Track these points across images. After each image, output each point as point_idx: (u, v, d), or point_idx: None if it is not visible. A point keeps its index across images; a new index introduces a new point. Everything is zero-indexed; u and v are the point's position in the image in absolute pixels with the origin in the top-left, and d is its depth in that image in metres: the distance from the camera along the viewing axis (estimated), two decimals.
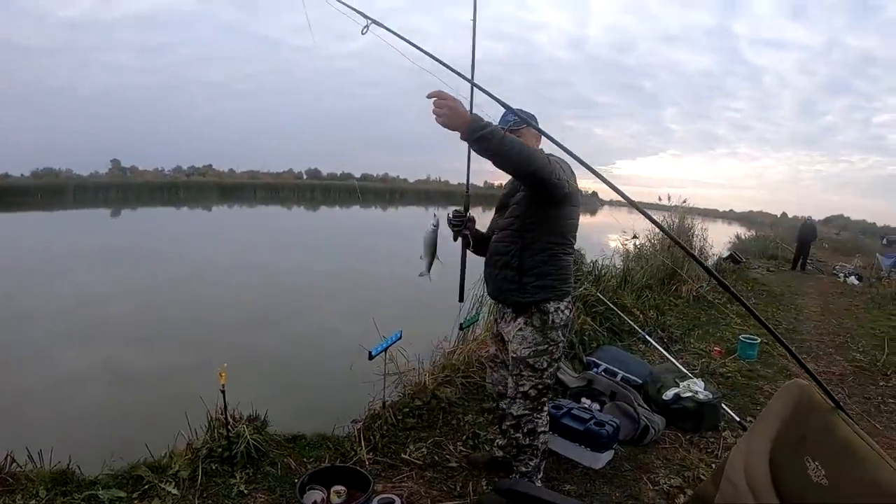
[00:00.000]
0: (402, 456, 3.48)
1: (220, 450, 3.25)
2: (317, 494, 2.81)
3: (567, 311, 2.80)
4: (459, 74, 2.27)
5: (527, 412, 2.81)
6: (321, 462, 3.37)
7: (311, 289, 11.28)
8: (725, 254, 14.98)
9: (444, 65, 2.28)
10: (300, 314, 9.07)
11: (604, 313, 6.37)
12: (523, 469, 2.92)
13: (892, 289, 12.21)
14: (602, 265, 8.37)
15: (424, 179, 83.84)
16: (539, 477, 2.98)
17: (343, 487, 2.84)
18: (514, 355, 2.78)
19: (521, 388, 2.79)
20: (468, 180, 3.10)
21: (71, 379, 5.75)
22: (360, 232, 25.10)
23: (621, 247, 10.53)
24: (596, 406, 4.07)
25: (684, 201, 12.11)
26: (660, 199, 12.38)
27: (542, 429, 2.89)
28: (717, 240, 17.38)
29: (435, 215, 2.93)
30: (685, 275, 9.22)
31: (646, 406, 4.24)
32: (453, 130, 2.23)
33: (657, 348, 5.76)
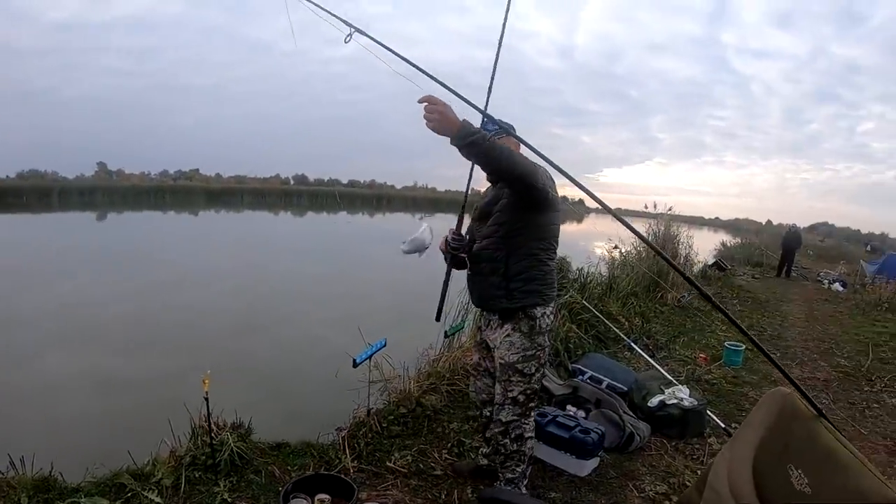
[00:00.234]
0: (387, 464, 3.47)
1: (203, 457, 3.22)
2: (301, 503, 2.78)
3: (552, 316, 2.83)
4: (441, 83, 2.26)
5: (515, 418, 2.82)
6: (305, 470, 3.35)
7: (298, 294, 11.22)
8: (711, 261, 15.06)
9: (428, 75, 2.28)
10: (286, 320, 9.01)
11: (589, 321, 6.38)
12: (509, 475, 2.92)
13: (876, 295, 12.30)
14: (587, 273, 8.40)
15: (411, 186, 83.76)
16: (525, 484, 2.98)
17: (327, 496, 2.81)
18: (502, 361, 2.78)
19: (510, 394, 2.79)
20: (466, 196, 3.00)
21: (54, 384, 5.67)
22: (347, 238, 25.03)
23: (607, 254, 10.55)
24: (581, 413, 4.08)
25: (670, 209, 12.16)
26: (646, 206, 12.43)
27: (529, 434, 2.90)
28: (703, 247, 17.48)
29: (421, 217, 2.91)
30: (669, 283, 9.25)
31: (631, 413, 4.25)
32: (443, 135, 2.26)
33: (642, 355, 5.78)
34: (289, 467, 3.42)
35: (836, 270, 18.21)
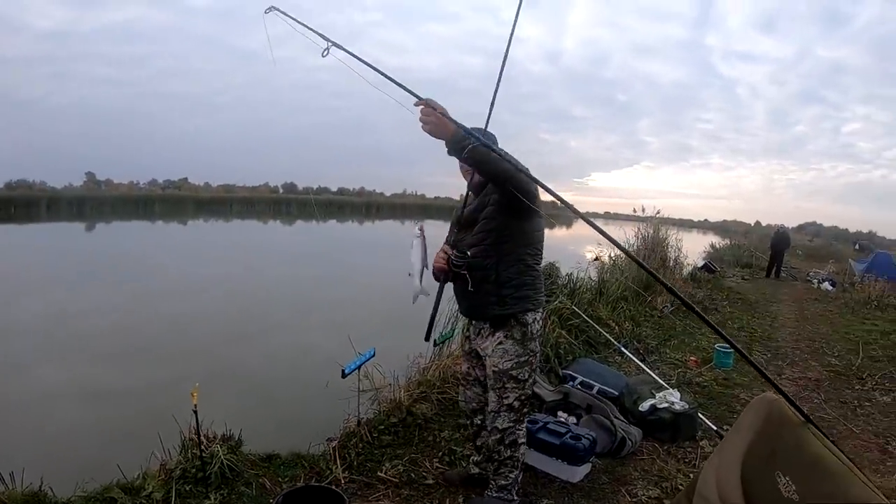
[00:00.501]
0: (378, 474, 3.45)
1: (193, 470, 3.19)
2: None
3: (541, 321, 2.85)
4: (417, 96, 2.28)
5: (511, 424, 2.82)
6: (296, 482, 3.33)
7: (288, 304, 11.16)
8: (700, 263, 15.11)
9: (404, 88, 2.29)
10: (276, 328, 8.98)
11: (579, 326, 6.37)
12: (502, 482, 2.92)
13: (866, 294, 12.40)
14: (577, 278, 8.41)
15: (401, 193, 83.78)
16: (516, 490, 2.98)
17: None
18: (496, 369, 2.78)
19: (506, 401, 2.79)
20: (464, 206, 2.94)
21: (44, 397, 5.61)
22: (336, 246, 24.99)
23: (596, 258, 10.56)
24: (572, 419, 4.07)
25: (658, 212, 12.19)
26: (634, 210, 12.47)
27: (523, 440, 2.92)
28: (693, 249, 17.55)
29: (417, 223, 2.90)
30: (659, 287, 9.26)
31: (622, 418, 4.24)
32: (439, 139, 2.29)
33: (633, 360, 5.78)
34: (279, 479, 3.40)
35: (826, 270, 18.32)
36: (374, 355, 3.88)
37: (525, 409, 2.88)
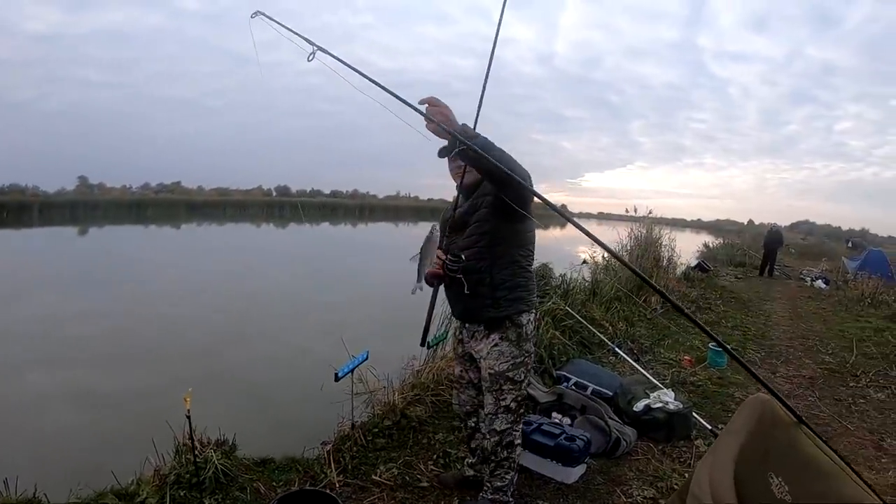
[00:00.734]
0: (373, 477, 3.44)
1: (188, 476, 3.18)
2: None
3: (534, 322, 2.85)
4: (402, 100, 2.26)
5: (508, 426, 2.82)
6: (291, 486, 3.32)
7: (281, 307, 11.14)
8: (694, 263, 15.14)
9: (390, 92, 2.28)
10: (270, 332, 8.94)
11: (573, 326, 6.38)
12: (498, 483, 2.91)
13: (859, 291, 12.45)
14: (570, 279, 8.42)
15: (394, 195, 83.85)
16: (512, 492, 2.97)
17: None
18: (492, 371, 2.77)
19: (503, 403, 2.79)
20: (454, 210, 2.90)
21: (37, 403, 5.60)
22: (331, 249, 24.96)
23: (590, 259, 10.56)
24: (567, 420, 4.07)
25: (650, 212, 12.19)
26: (627, 210, 12.46)
27: (518, 441, 2.91)
28: (686, 249, 17.56)
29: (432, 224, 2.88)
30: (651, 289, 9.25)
31: (617, 418, 4.25)
32: (443, 137, 2.27)
33: (627, 360, 5.78)
34: (274, 483, 3.39)
35: (819, 268, 18.40)
36: (367, 358, 3.87)
37: (521, 410, 2.88)
